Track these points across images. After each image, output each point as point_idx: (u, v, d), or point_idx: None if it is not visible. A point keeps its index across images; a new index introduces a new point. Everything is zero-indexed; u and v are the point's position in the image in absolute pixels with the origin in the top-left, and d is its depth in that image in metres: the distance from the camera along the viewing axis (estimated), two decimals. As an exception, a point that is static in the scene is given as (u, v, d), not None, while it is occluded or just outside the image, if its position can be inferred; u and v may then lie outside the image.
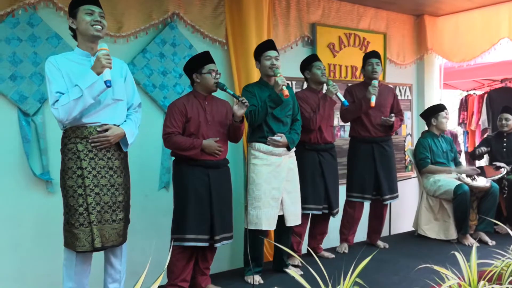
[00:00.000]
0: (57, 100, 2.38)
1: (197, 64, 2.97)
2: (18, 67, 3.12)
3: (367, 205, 4.08)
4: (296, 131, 3.32)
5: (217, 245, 2.95)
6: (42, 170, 3.22)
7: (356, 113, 3.85)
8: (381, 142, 3.93)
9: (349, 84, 4.30)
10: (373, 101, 3.65)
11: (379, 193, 3.93)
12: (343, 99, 3.49)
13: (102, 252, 2.61)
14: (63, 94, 2.38)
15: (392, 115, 3.87)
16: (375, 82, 3.70)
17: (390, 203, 4.99)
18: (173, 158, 3.03)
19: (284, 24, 4.43)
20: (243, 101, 2.89)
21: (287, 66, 3.80)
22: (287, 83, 3.08)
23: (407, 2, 5.04)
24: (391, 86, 4.58)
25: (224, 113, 3.05)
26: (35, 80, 3.17)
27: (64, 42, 3.24)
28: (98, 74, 2.36)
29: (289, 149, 3.23)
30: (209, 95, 3.02)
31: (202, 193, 2.90)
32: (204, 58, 2.98)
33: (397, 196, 4.05)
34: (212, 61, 3.00)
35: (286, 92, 3.01)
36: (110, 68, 2.39)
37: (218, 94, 3.09)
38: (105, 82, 2.35)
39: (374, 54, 3.93)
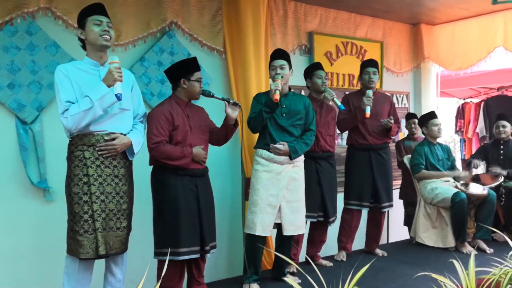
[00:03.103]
0: (67, 109, 2.40)
1: (187, 69, 2.91)
2: (16, 75, 3.12)
3: (364, 213, 4.08)
4: (305, 141, 3.24)
5: (208, 255, 2.93)
6: (39, 178, 3.21)
7: (352, 122, 3.86)
8: (379, 150, 3.93)
9: (346, 92, 4.31)
10: (368, 112, 3.65)
11: (376, 200, 3.93)
12: (339, 103, 3.50)
13: (103, 260, 2.60)
14: (73, 103, 2.41)
15: (391, 117, 3.87)
16: (369, 93, 3.70)
17: (388, 211, 5.03)
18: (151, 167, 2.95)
19: (281, 33, 4.46)
20: (236, 102, 2.87)
21: (285, 75, 3.81)
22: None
23: (404, 11, 5.08)
24: (388, 94, 4.60)
25: (203, 119, 3.03)
26: (33, 89, 3.17)
27: (62, 50, 3.25)
28: (109, 86, 2.39)
29: (291, 158, 3.17)
30: (189, 102, 2.98)
31: (192, 204, 2.86)
32: (194, 65, 2.94)
33: (392, 205, 4.06)
34: (200, 69, 2.97)
35: (275, 96, 2.96)
36: (121, 81, 2.42)
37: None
38: (116, 95, 2.38)
39: (372, 63, 3.93)
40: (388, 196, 3.96)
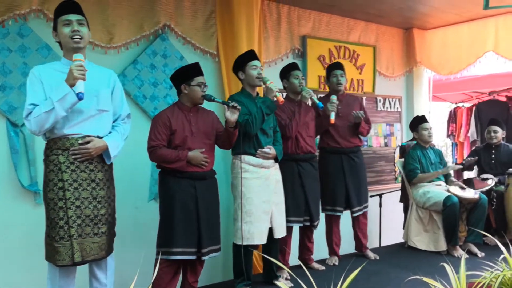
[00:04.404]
0: (30, 112, 2.35)
1: (186, 75, 2.95)
2: (8, 77, 3.10)
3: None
4: (280, 143, 3.32)
5: (205, 257, 2.92)
6: (30, 181, 3.19)
7: (319, 128, 3.81)
8: (350, 154, 3.89)
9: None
10: (332, 118, 3.62)
11: (348, 205, 3.88)
12: (318, 101, 3.48)
13: (87, 264, 2.56)
14: (37, 105, 2.35)
15: (361, 111, 3.83)
16: (333, 98, 3.67)
17: (380, 215, 5.03)
18: (159, 170, 3.01)
19: (275, 37, 4.47)
20: (235, 105, 2.87)
21: (278, 78, 3.82)
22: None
23: (396, 16, 5.11)
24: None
25: (209, 124, 3.04)
26: (24, 91, 3.12)
27: (54, 52, 3.24)
28: (71, 86, 2.30)
29: (277, 160, 3.23)
30: (194, 107, 3.00)
31: (189, 205, 2.87)
32: (194, 70, 2.97)
33: (366, 207, 3.98)
34: (201, 73, 2.99)
35: (281, 98, 3.02)
36: (84, 79, 2.31)
37: (205, 104, 3.09)
38: (77, 94, 2.28)
39: (338, 66, 3.92)
40: (359, 201, 3.90)
